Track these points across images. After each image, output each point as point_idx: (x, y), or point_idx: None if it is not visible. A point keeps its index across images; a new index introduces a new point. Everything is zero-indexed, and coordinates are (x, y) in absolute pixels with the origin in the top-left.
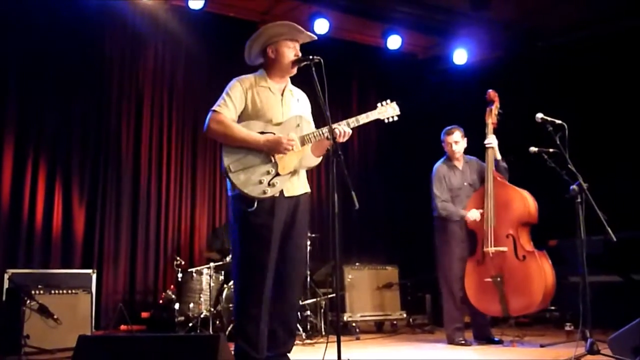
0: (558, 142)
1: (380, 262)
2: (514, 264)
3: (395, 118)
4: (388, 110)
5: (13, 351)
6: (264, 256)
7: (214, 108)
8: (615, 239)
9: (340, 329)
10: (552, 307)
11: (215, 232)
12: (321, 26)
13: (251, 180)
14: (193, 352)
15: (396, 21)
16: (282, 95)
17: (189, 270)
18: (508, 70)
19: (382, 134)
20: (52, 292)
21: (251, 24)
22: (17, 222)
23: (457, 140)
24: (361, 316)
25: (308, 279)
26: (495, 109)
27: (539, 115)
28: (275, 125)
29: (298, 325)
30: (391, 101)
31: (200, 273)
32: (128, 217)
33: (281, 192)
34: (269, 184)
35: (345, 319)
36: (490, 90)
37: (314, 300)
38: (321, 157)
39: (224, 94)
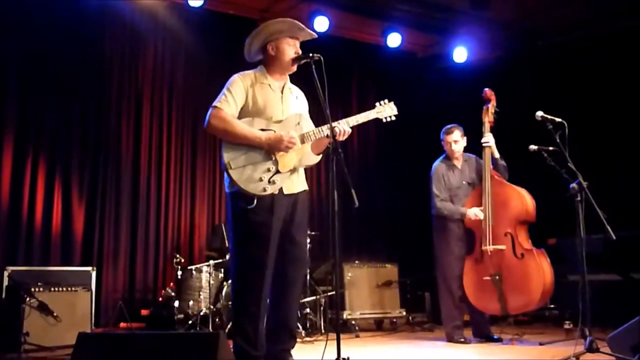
0: (558, 141)
1: (380, 260)
2: (512, 262)
3: (393, 118)
4: (386, 110)
5: (13, 348)
6: (263, 254)
7: (214, 104)
8: (614, 238)
9: (339, 327)
10: (552, 306)
11: (214, 230)
12: (321, 24)
13: (252, 177)
14: (193, 349)
15: (396, 19)
16: (281, 92)
17: (189, 267)
18: (508, 69)
19: (381, 132)
20: (52, 289)
21: (251, 22)
22: (16, 219)
23: (456, 140)
24: (361, 314)
25: (308, 277)
26: (491, 107)
27: (539, 114)
28: (276, 123)
29: (298, 323)
30: (389, 101)
31: (199, 271)
32: (128, 214)
33: (280, 189)
34: (269, 182)
35: (344, 316)
36: (486, 89)
37: (314, 298)
38: (321, 156)
39: (224, 90)
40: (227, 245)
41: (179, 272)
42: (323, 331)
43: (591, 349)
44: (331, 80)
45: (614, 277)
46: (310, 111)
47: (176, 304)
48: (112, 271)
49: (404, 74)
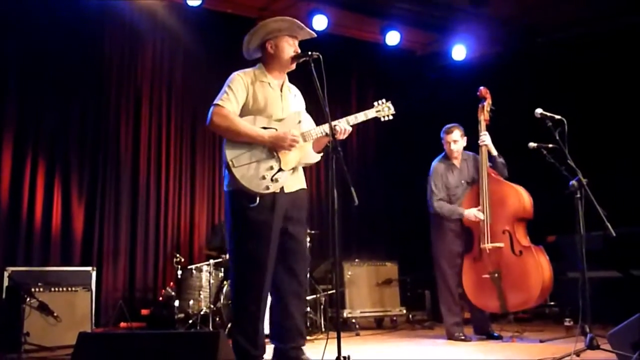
0: (557, 138)
1: (380, 259)
2: (510, 259)
3: (391, 117)
4: (384, 109)
5: (13, 349)
6: (264, 253)
7: (216, 102)
8: (614, 235)
9: (340, 326)
10: (552, 303)
11: (214, 229)
12: (320, 22)
13: (254, 175)
14: (193, 349)
15: (395, 17)
16: (281, 90)
17: (189, 267)
18: (507, 67)
19: (381, 131)
20: (52, 289)
21: (249, 21)
22: (16, 220)
23: (456, 140)
24: (361, 312)
25: (308, 275)
26: (487, 105)
27: (539, 111)
28: (276, 121)
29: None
30: (386, 100)
31: (199, 270)
32: (127, 214)
33: (281, 188)
34: (271, 180)
35: (345, 315)
36: (481, 87)
37: (314, 296)
38: (321, 154)
39: (225, 88)
40: (227, 244)
41: (179, 272)
42: (323, 330)
43: (591, 346)
44: (330, 79)
45: (614, 274)
46: (309, 110)
47: (176, 303)
48: (112, 271)
49: (403, 72)
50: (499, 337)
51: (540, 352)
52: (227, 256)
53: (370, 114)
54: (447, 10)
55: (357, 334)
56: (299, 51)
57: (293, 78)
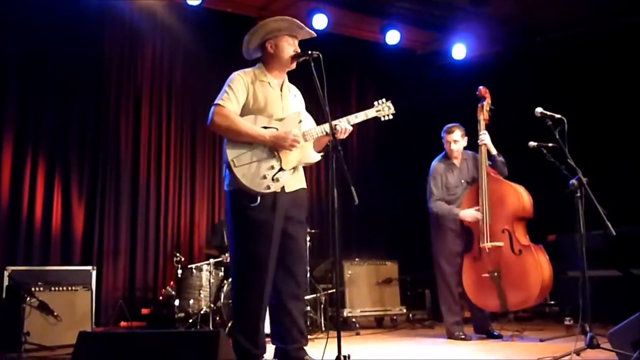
0: (557, 137)
1: (380, 258)
2: (510, 258)
3: (390, 117)
4: (384, 109)
5: (13, 348)
6: (265, 253)
7: (217, 102)
8: (614, 234)
9: (340, 325)
10: (552, 302)
11: (214, 228)
12: (319, 22)
13: (256, 175)
14: (193, 348)
15: (395, 16)
16: (280, 90)
17: (189, 266)
18: (507, 66)
19: (380, 130)
20: (52, 289)
21: (249, 20)
22: (16, 219)
23: (456, 140)
24: (361, 312)
25: (308, 274)
26: (486, 105)
27: (538, 110)
28: (277, 121)
29: None
30: (386, 100)
31: (200, 269)
32: (127, 213)
33: (282, 187)
34: (272, 179)
35: (345, 314)
36: (481, 87)
37: (314, 296)
38: (322, 153)
39: (226, 87)
40: (226, 243)
41: (179, 271)
42: (323, 329)
43: (592, 344)
44: (330, 78)
45: (614, 273)
46: (309, 109)
47: (176, 302)
48: (112, 270)
49: (403, 71)
50: (499, 336)
51: (541, 351)
52: (227, 255)
53: (370, 113)
54: (447, 9)
55: (357, 333)
56: (299, 50)
57: (293, 78)
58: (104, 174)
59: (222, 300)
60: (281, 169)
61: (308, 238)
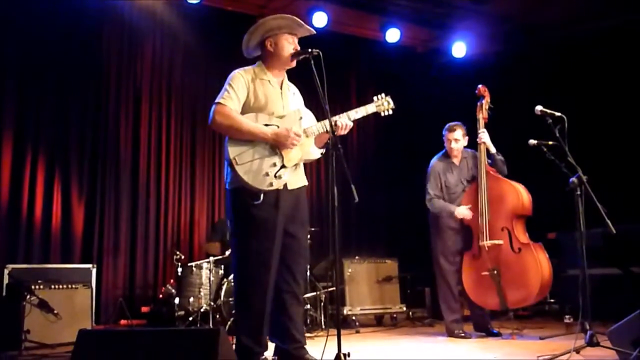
0: (557, 135)
1: (380, 256)
2: (510, 256)
3: (390, 112)
4: (384, 104)
5: (13, 346)
6: (268, 250)
7: (218, 100)
8: (614, 232)
9: (340, 323)
10: (552, 300)
11: (214, 226)
12: (320, 20)
13: (258, 172)
14: (193, 346)
15: (395, 14)
16: (280, 88)
17: (189, 264)
18: (507, 64)
19: (380, 128)
20: (52, 287)
21: (249, 18)
22: (16, 217)
23: (457, 138)
24: (361, 310)
25: (308, 273)
26: (485, 103)
27: (538, 108)
28: (278, 118)
29: None
30: (386, 95)
31: (200, 267)
32: (127, 211)
33: (285, 185)
34: (275, 176)
35: (345, 312)
36: (480, 86)
37: (314, 294)
38: (322, 150)
39: (226, 86)
40: (227, 241)
41: (179, 269)
42: (323, 327)
43: (592, 342)
44: (330, 76)
45: (614, 271)
46: (309, 107)
47: (176, 300)
48: (112, 268)
49: (403, 69)
50: (498, 334)
51: (540, 349)
52: (228, 253)
53: (370, 108)
54: (447, 7)
55: (357, 331)
56: (299, 49)
57: (293, 76)
58: (103, 172)
59: (222, 298)
60: (283, 166)
61: (308, 236)
